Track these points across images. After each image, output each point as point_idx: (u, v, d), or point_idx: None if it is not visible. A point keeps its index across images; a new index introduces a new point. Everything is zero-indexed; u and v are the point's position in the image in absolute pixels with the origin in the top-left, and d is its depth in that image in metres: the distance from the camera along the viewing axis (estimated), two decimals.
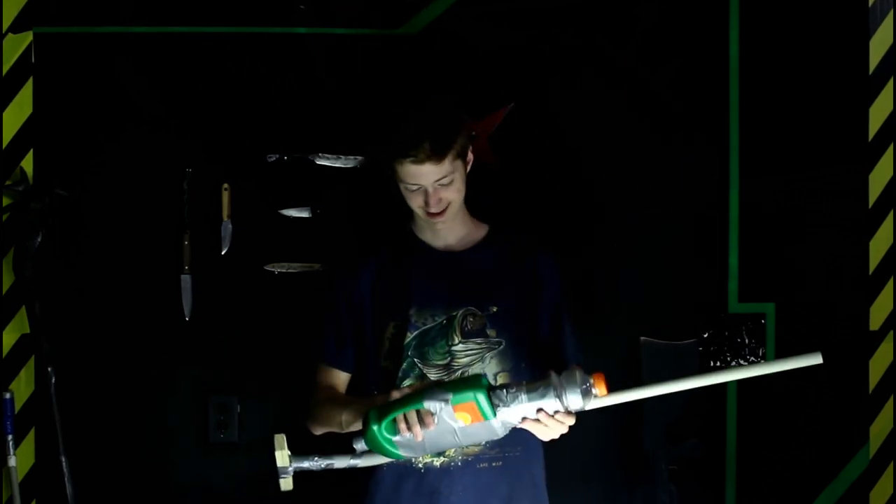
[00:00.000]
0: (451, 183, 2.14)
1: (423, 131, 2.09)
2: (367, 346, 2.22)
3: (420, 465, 2.14)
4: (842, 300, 2.69)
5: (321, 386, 2.23)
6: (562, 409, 1.84)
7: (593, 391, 1.83)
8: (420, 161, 2.08)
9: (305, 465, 1.92)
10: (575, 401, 1.82)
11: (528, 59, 2.66)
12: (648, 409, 2.65)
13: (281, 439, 1.91)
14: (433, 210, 2.15)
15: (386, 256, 2.26)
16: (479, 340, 2.18)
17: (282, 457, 1.90)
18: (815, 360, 1.84)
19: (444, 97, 2.56)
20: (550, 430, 1.90)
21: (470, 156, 2.24)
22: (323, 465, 1.92)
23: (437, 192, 2.13)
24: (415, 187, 2.13)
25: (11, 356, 2.62)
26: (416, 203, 2.16)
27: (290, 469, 1.90)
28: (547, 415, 1.85)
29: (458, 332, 2.17)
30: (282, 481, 1.91)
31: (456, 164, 2.14)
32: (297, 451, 1.91)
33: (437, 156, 2.08)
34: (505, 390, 1.85)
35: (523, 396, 1.84)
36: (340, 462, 1.93)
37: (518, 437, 2.15)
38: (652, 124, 2.68)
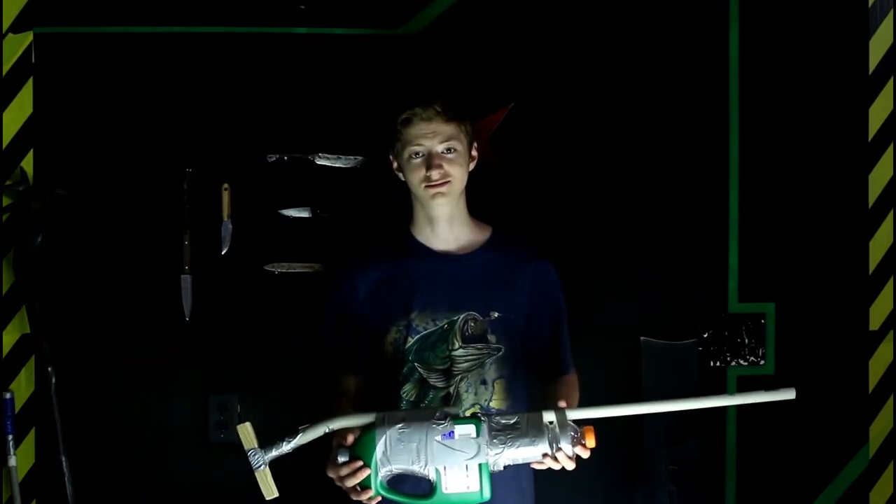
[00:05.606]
0: (454, 156, 2.16)
1: (436, 92, 2.21)
2: (371, 352, 2.22)
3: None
4: (842, 300, 2.69)
5: (334, 393, 2.24)
6: (549, 454, 1.88)
7: (583, 441, 1.90)
8: (429, 117, 2.14)
9: (275, 452, 1.89)
10: (566, 448, 1.89)
11: (528, 59, 2.66)
12: None
13: (245, 429, 1.89)
14: (435, 179, 2.15)
15: (385, 260, 2.26)
16: (479, 346, 2.17)
17: (248, 441, 1.88)
18: (789, 395, 1.85)
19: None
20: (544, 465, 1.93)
21: (474, 153, 2.25)
22: (293, 445, 1.90)
23: (440, 158, 2.14)
24: (418, 151, 2.15)
25: (11, 356, 2.62)
26: (417, 176, 2.17)
27: (263, 458, 1.89)
28: (552, 457, 1.89)
29: (458, 337, 2.17)
30: (258, 476, 1.89)
31: (461, 137, 2.18)
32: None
33: (445, 114, 2.16)
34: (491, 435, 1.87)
35: (510, 449, 1.87)
36: (309, 435, 1.90)
37: None
38: (652, 124, 2.68)
